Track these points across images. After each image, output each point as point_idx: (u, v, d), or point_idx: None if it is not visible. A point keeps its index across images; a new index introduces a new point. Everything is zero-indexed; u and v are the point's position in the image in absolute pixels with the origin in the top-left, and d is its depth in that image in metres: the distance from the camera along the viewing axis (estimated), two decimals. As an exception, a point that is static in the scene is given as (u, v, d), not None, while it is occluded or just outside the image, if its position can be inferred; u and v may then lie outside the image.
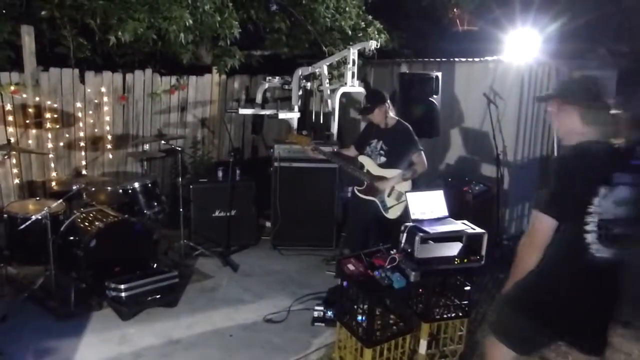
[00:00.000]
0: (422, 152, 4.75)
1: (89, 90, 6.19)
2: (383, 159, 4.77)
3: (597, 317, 2.61)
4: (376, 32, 7.47)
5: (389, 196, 4.73)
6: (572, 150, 2.54)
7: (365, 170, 4.83)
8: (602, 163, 2.47)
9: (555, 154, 6.76)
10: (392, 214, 4.74)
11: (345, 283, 3.68)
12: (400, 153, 4.72)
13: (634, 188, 2.46)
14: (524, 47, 6.10)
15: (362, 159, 4.89)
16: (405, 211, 4.48)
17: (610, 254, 2.48)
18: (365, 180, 4.82)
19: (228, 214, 5.83)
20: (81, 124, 6.25)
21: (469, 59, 6.71)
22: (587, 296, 2.54)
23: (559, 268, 2.54)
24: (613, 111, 2.55)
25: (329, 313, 4.36)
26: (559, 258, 2.53)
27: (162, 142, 5.81)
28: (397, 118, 4.85)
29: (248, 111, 6.84)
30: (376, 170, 4.78)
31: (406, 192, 4.31)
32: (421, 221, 3.87)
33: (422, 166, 4.74)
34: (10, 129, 5.75)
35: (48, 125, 5.94)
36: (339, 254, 5.19)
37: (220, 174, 6.08)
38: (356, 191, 4.90)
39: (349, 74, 6.25)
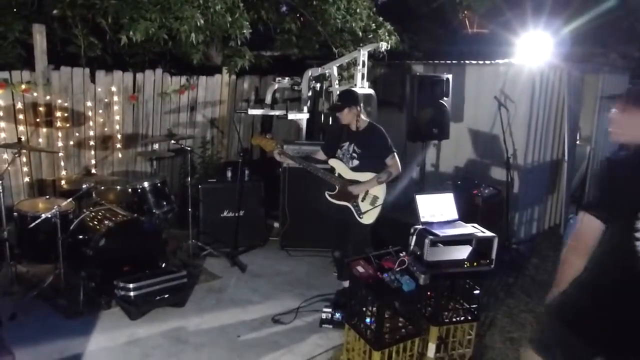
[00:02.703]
0: (396, 155, 4.50)
1: (99, 89, 6.21)
2: (356, 162, 4.50)
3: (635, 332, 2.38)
4: (386, 34, 7.47)
5: (362, 201, 4.50)
6: (632, 153, 2.41)
7: (336, 174, 4.58)
8: None
9: (566, 157, 6.75)
10: (367, 219, 4.50)
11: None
12: (373, 156, 4.48)
13: None
14: (535, 50, 6.08)
15: (333, 162, 4.61)
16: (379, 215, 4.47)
17: None
18: (337, 185, 4.55)
19: (236, 214, 5.82)
20: (91, 123, 6.27)
21: (480, 62, 6.69)
22: (636, 309, 2.33)
23: (607, 276, 2.39)
24: None
25: (337, 315, 4.34)
26: (608, 266, 2.39)
27: (172, 141, 5.82)
28: (369, 121, 4.62)
29: (257, 111, 6.85)
30: (348, 174, 4.52)
31: (376, 196, 4.30)
32: (431, 224, 3.86)
33: (396, 169, 4.48)
34: (21, 128, 5.77)
35: (58, 124, 5.96)
36: (332, 257, 5.09)
37: (229, 174, 6.09)
38: (328, 196, 4.60)
39: (359, 76, 6.25)
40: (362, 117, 4.55)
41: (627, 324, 2.34)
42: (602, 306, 2.38)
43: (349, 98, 4.54)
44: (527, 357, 2.70)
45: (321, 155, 4.81)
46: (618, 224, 2.35)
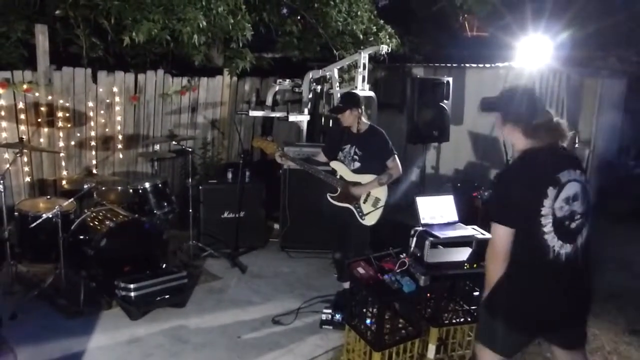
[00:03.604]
0: (397, 157, 4.54)
1: (101, 89, 6.23)
2: (357, 165, 4.52)
3: (570, 312, 2.67)
4: (387, 37, 7.49)
5: (364, 202, 4.51)
6: (516, 159, 2.70)
7: (338, 176, 4.59)
8: (546, 166, 2.58)
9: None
10: (369, 220, 4.51)
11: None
12: (375, 158, 4.51)
13: (580, 182, 2.61)
14: (535, 53, 6.10)
15: (335, 164, 4.62)
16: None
17: (572, 249, 2.58)
18: (338, 187, 4.57)
19: (237, 215, 5.83)
20: (93, 124, 6.28)
21: (480, 65, 6.71)
22: (557, 293, 2.61)
23: (525, 270, 2.60)
24: (555, 119, 2.67)
25: (337, 316, 4.35)
26: (524, 261, 2.58)
27: (173, 142, 5.84)
28: (369, 123, 4.64)
29: (258, 113, 6.87)
30: (350, 176, 4.54)
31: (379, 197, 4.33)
32: (431, 226, 3.88)
33: (397, 171, 4.52)
34: (22, 127, 5.79)
35: (60, 124, 5.97)
36: (332, 259, 5.10)
37: (229, 175, 6.10)
38: (329, 198, 4.61)
39: (360, 78, 6.28)
40: (363, 119, 4.56)
41: (551, 306, 2.62)
42: (527, 295, 2.62)
43: (351, 100, 4.55)
44: (479, 351, 2.85)
45: (322, 157, 4.82)
46: (525, 225, 2.55)
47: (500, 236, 2.58)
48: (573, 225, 2.58)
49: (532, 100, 2.72)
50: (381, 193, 4.51)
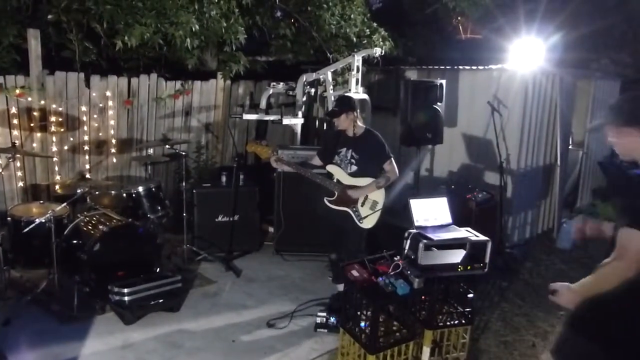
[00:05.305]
0: (393, 160, 4.55)
1: (94, 94, 6.20)
2: (354, 168, 4.51)
3: None
4: (381, 40, 7.50)
5: (362, 206, 4.51)
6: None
7: (335, 180, 4.59)
8: None
9: (559, 162, 6.80)
10: (367, 223, 4.51)
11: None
12: (371, 161, 4.51)
13: None
14: (528, 55, 6.12)
15: (331, 168, 4.62)
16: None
17: None
18: (336, 191, 4.55)
19: (231, 219, 5.83)
20: (86, 128, 6.25)
21: (473, 67, 6.73)
22: None
23: None
24: None
25: (332, 319, 4.35)
26: None
27: (167, 146, 5.82)
28: (365, 127, 4.64)
29: (252, 116, 6.87)
30: (347, 180, 4.53)
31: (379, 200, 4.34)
32: (425, 228, 3.88)
33: (394, 174, 4.52)
34: (15, 132, 5.77)
35: (53, 128, 5.94)
36: (328, 260, 5.09)
37: (223, 179, 6.10)
38: (327, 202, 4.59)
39: (354, 81, 6.28)
40: (359, 122, 4.57)
41: None
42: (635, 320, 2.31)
43: (346, 104, 4.56)
44: None
45: (317, 161, 4.83)
46: None
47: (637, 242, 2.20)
48: None
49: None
50: (379, 196, 4.53)
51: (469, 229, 3.96)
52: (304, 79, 6.65)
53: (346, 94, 5.43)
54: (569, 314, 2.55)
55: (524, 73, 6.16)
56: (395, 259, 3.75)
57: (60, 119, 5.98)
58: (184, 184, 5.70)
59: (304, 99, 6.78)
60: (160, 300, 4.45)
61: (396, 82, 7.25)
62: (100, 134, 6.39)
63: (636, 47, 10.25)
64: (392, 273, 3.60)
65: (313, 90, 6.99)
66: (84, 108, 6.17)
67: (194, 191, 5.93)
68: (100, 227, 4.65)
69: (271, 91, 6.92)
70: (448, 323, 3.85)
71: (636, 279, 2.19)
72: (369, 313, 3.52)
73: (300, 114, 6.68)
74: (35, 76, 5.73)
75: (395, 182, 4.70)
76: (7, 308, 4.33)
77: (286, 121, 6.55)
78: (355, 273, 3.66)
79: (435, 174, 7.04)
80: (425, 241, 3.65)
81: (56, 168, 6.11)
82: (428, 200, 4.10)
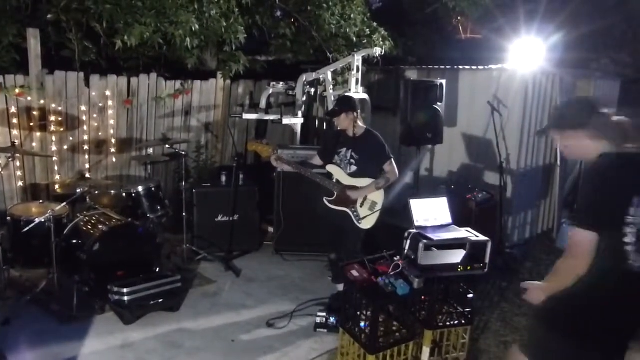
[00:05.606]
0: (393, 160, 4.54)
1: (93, 93, 6.20)
2: (354, 168, 4.50)
3: (626, 332, 2.50)
4: (381, 39, 7.49)
5: (361, 206, 4.50)
6: (602, 161, 2.43)
7: (334, 180, 4.58)
8: (634, 172, 2.40)
9: (559, 162, 6.79)
10: (366, 224, 4.50)
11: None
12: (371, 161, 4.50)
13: None
14: (528, 55, 6.12)
15: (331, 168, 4.62)
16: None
17: None
18: (335, 191, 4.55)
19: (231, 218, 5.83)
20: (85, 127, 6.24)
21: (473, 67, 6.72)
22: (622, 310, 2.42)
23: (602, 281, 2.38)
24: (615, 118, 2.47)
25: (332, 319, 4.35)
26: (602, 271, 2.37)
27: (166, 146, 5.81)
28: (365, 127, 4.63)
29: (252, 116, 6.87)
30: (347, 180, 4.52)
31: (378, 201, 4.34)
32: (425, 228, 3.88)
33: (393, 174, 4.51)
34: (15, 132, 5.77)
35: (52, 128, 5.94)
36: (328, 260, 5.09)
37: (223, 178, 6.10)
38: (326, 202, 4.58)
39: (354, 81, 6.27)
40: (359, 122, 4.56)
41: (616, 323, 2.43)
42: (601, 313, 2.43)
43: (347, 103, 4.56)
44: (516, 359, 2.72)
45: (317, 161, 4.83)
46: (608, 232, 2.37)
47: (586, 243, 2.37)
48: None
49: (585, 100, 2.62)
50: (378, 197, 4.52)
51: (469, 229, 3.96)
52: (304, 79, 6.65)
53: (347, 94, 5.42)
54: (534, 309, 2.69)
55: (524, 73, 6.15)
56: (395, 259, 3.74)
57: (59, 119, 5.98)
58: (183, 183, 5.69)
59: (304, 98, 6.77)
60: (160, 300, 4.45)
61: (396, 82, 7.24)
62: (100, 134, 6.39)
63: (636, 47, 10.27)
64: (392, 273, 3.59)
65: (313, 90, 6.99)
66: (83, 107, 6.17)
67: (194, 191, 5.92)
68: (100, 226, 4.65)
69: (271, 91, 6.92)
70: (448, 323, 3.85)
71: (592, 274, 2.37)
72: (368, 313, 3.52)
73: (300, 113, 6.68)
74: (35, 76, 5.73)
75: (395, 182, 4.69)
76: (6, 308, 4.33)
77: (286, 121, 6.55)
78: (355, 273, 3.66)
79: (435, 174, 7.03)
80: (425, 241, 3.65)
81: (56, 168, 6.10)
82: (428, 201, 4.10)
